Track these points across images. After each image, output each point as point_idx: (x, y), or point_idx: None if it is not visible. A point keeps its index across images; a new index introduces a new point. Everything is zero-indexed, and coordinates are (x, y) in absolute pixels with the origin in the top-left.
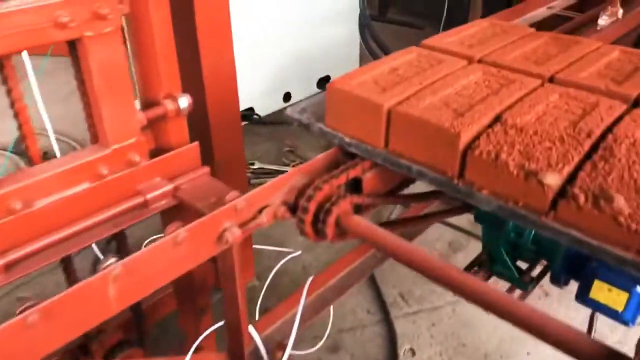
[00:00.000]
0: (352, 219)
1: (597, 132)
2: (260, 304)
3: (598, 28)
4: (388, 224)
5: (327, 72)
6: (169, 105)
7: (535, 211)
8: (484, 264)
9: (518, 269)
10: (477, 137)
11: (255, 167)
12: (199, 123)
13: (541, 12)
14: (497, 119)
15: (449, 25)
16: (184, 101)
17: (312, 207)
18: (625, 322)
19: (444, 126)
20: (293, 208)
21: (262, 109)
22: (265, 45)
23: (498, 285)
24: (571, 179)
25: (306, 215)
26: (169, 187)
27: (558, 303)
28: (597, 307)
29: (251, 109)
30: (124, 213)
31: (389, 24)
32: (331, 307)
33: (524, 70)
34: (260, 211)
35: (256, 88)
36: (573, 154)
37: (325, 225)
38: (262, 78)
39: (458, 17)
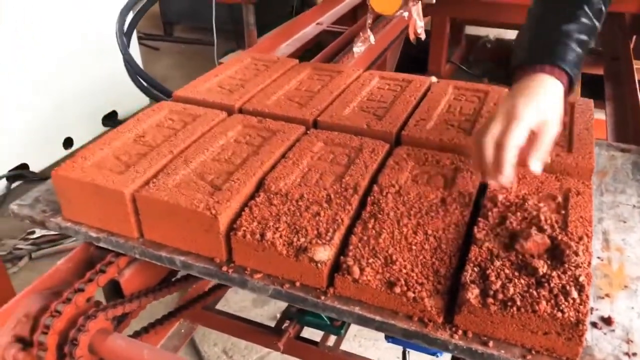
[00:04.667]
0: (108, 341)
1: (363, 184)
2: None
3: (355, 56)
4: (166, 319)
5: (113, 107)
6: None
7: (314, 290)
8: (294, 316)
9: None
10: (239, 214)
11: (35, 236)
12: None
13: (311, 30)
14: (260, 185)
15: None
16: None
17: (52, 342)
18: (434, 354)
19: (198, 209)
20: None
21: (39, 163)
22: (31, 89)
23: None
24: (345, 245)
25: (46, 354)
26: None
27: (371, 342)
28: (406, 344)
29: (24, 166)
30: None
31: (177, 43)
32: None
33: (287, 116)
34: None
35: (27, 139)
36: (342, 217)
37: None
38: (33, 126)
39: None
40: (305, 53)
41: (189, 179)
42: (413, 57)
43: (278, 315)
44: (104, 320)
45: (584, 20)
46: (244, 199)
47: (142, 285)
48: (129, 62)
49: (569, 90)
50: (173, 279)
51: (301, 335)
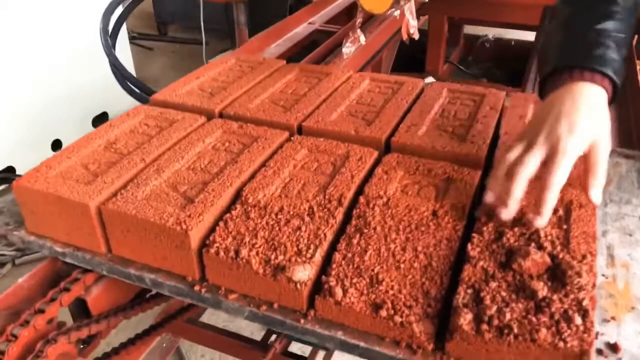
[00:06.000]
0: None
1: (349, 196)
2: None
3: (344, 57)
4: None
5: (103, 109)
6: None
7: (293, 313)
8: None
9: None
10: (214, 228)
11: None
12: None
13: (303, 30)
14: (237, 197)
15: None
16: None
17: None
18: None
19: (167, 224)
20: None
21: (26, 166)
22: (18, 90)
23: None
24: (327, 263)
25: None
26: None
27: None
28: None
29: (11, 169)
30: None
31: (171, 42)
32: None
33: (270, 121)
34: None
35: (13, 141)
36: (325, 231)
37: None
38: (20, 128)
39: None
40: (296, 54)
41: (161, 190)
42: (411, 57)
43: None
44: (65, 344)
45: (619, 16)
46: (218, 212)
47: (111, 303)
48: (114, 65)
49: (612, 98)
50: (147, 295)
51: (289, 350)
